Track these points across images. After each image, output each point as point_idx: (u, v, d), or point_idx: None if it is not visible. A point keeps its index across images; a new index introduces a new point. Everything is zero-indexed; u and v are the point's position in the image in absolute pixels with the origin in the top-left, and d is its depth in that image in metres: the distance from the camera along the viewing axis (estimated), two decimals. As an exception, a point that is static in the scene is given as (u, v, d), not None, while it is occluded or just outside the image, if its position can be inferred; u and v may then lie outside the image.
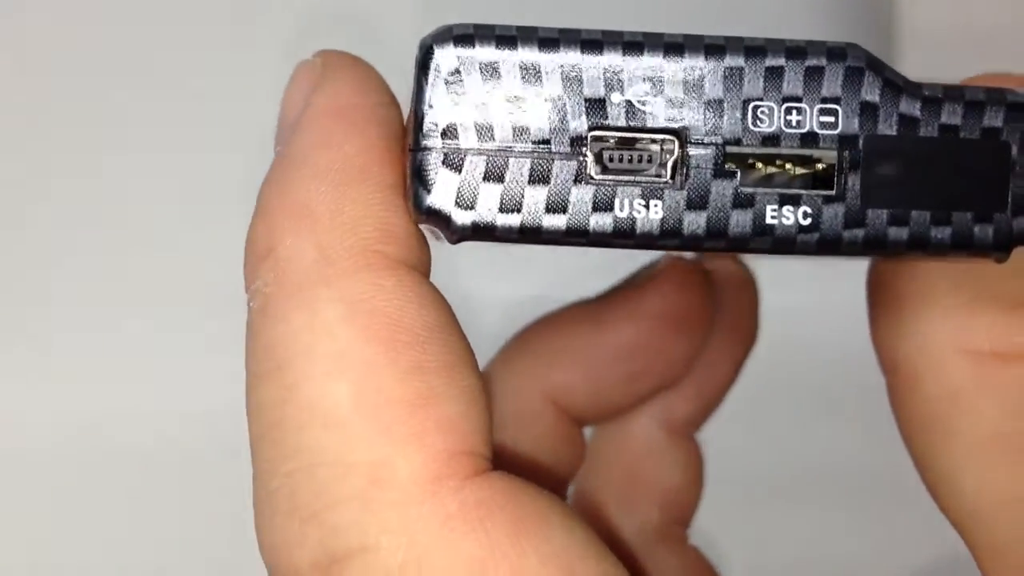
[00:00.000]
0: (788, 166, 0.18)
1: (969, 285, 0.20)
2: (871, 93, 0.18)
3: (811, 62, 0.18)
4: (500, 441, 0.24)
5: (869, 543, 0.40)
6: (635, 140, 0.18)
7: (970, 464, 0.20)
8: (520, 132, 0.18)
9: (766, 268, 0.28)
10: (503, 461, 0.22)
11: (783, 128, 0.18)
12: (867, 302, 0.21)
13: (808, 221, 0.18)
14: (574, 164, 0.18)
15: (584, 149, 0.18)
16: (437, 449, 0.18)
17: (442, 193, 0.18)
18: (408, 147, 0.18)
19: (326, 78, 0.20)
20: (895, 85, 0.18)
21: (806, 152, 0.18)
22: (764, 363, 0.28)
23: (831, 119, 0.18)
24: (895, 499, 0.21)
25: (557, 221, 0.18)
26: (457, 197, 0.18)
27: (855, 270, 0.22)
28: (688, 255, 0.25)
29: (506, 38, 0.18)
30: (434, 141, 0.18)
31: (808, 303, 0.21)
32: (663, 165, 0.18)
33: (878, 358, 0.21)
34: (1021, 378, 0.20)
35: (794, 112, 0.18)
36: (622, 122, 0.18)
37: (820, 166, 0.18)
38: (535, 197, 0.18)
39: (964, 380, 0.20)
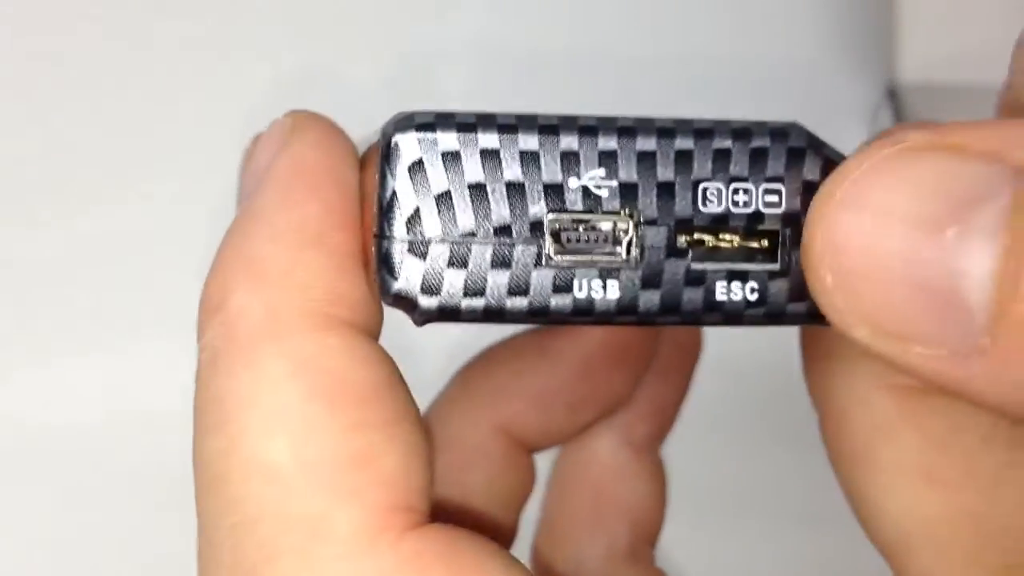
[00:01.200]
0: (736, 244, 0.19)
1: None
2: (812, 172, 0.19)
3: (756, 143, 0.19)
4: (454, 477, 0.25)
5: (820, 562, 0.41)
6: (592, 222, 0.19)
7: (895, 492, 0.20)
8: (482, 218, 0.19)
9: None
10: (454, 502, 0.23)
11: (731, 208, 0.19)
12: (800, 344, 0.23)
13: (755, 296, 0.19)
14: (534, 248, 0.19)
15: (543, 233, 0.19)
16: (376, 504, 0.19)
17: (408, 279, 0.19)
18: (373, 232, 0.19)
19: (293, 137, 0.20)
20: (834, 164, 0.19)
21: (752, 230, 0.19)
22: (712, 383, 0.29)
23: (775, 198, 0.19)
24: (846, 519, 0.23)
25: (519, 303, 0.19)
26: (423, 283, 0.19)
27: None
28: None
29: (466, 125, 0.19)
30: (399, 229, 0.19)
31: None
32: (618, 244, 0.19)
33: (810, 396, 0.22)
34: (940, 409, 0.20)
35: (741, 192, 0.19)
36: (579, 205, 0.19)
37: (765, 243, 0.19)
38: (498, 281, 0.19)
39: (888, 413, 0.21)
